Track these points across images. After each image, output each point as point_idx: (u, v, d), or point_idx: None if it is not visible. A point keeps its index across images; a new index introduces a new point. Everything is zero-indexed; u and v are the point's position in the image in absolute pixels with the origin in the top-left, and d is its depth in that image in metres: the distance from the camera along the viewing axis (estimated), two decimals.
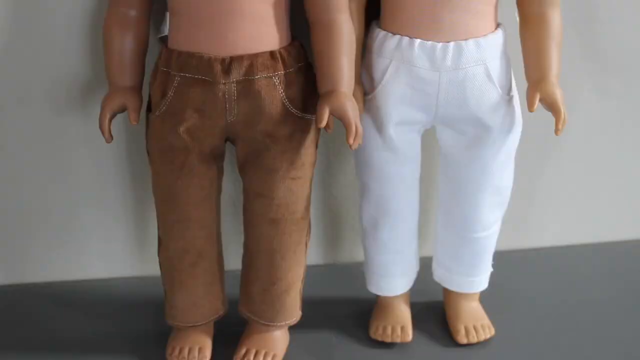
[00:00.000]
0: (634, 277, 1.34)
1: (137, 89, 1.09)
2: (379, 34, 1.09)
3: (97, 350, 1.19)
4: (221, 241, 1.16)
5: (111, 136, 1.09)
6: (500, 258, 1.38)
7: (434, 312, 1.27)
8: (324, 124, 1.01)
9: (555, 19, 1.08)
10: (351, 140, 1.02)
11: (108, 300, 1.29)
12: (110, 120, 1.08)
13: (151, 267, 1.29)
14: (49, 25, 1.15)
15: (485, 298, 1.27)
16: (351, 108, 1.02)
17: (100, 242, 1.31)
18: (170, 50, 1.04)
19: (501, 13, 1.11)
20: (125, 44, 1.07)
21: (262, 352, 1.15)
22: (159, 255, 1.15)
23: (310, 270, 1.36)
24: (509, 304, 1.29)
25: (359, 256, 1.37)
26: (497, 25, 1.09)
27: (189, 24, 1.03)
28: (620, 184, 1.39)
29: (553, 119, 1.29)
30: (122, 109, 1.08)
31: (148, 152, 1.10)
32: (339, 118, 1.02)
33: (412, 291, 1.27)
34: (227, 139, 1.09)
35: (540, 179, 1.38)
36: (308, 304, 1.28)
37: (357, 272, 1.34)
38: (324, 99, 1.03)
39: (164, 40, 1.10)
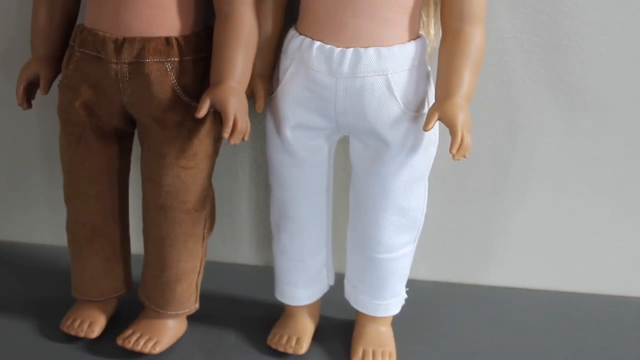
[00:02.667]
0: (580, 331, 1.24)
1: (54, 60, 1.12)
2: (289, 34, 1.06)
3: (5, 310, 1.23)
4: (127, 221, 1.17)
5: (27, 103, 1.12)
6: (445, 290, 1.32)
7: (347, 330, 1.21)
8: (201, 114, 1.00)
9: (475, 37, 1.01)
10: (225, 135, 1.00)
11: (38, 265, 1.34)
12: (25, 88, 1.11)
13: None
14: None
15: (411, 326, 1.21)
16: (233, 102, 1.00)
17: (46, 207, 1.36)
18: (78, 26, 1.07)
19: None
20: (50, 15, 1.11)
21: (146, 337, 1.14)
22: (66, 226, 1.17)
23: (247, 270, 1.37)
24: (432, 337, 1.21)
25: None
26: (416, 37, 1.03)
27: (93, 2, 1.05)
28: (589, 233, 1.28)
29: (532, 158, 1.23)
30: (36, 77, 1.11)
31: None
32: (219, 110, 1.01)
33: (332, 305, 1.23)
34: (132, 121, 1.10)
35: (500, 217, 1.29)
36: (229, 302, 1.28)
37: None
38: (209, 90, 1.01)
39: None
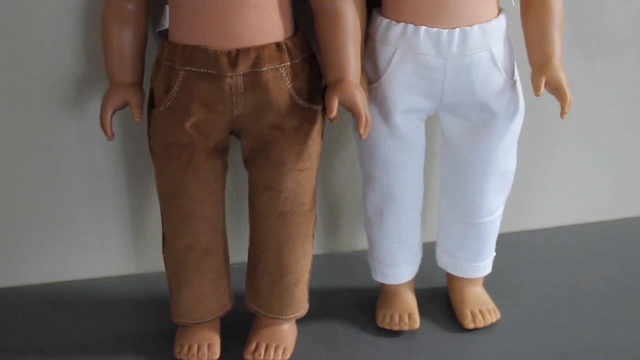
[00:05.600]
0: (635, 256, 1.36)
1: (138, 84, 1.07)
2: (382, 22, 1.08)
3: (99, 352, 1.16)
4: (227, 236, 1.15)
5: (113, 133, 1.06)
6: (500, 241, 1.40)
7: (438, 298, 1.27)
8: (334, 114, 1.00)
9: (557, 2, 1.08)
10: (362, 130, 1.01)
11: (106, 299, 1.27)
12: (111, 117, 1.05)
13: (148, 265, 1.27)
14: (45, 21, 1.13)
15: (487, 281, 1.28)
16: (360, 97, 1.01)
17: (97, 240, 1.29)
18: (174, 44, 1.02)
19: None
20: (125, 39, 1.05)
21: (273, 346, 1.14)
22: (163, 253, 1.13)
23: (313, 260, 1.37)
24: (511, 286, 1.29)
25: (358, 245, 1.37)
26: (500, 11, 1.09)
27: (192, 17, 1.00)
28: (616, 163, 1.40)
29: (551, 102, 1.32)
30: (124, 106, 1.06)
31: (151, 149, 1.08)
32: (348, 108, 1.01)
33: (416, 278, 1.27)
34: (231, 132, 1.08)
35: (537, 161, 1.38)
36: (311, 295, 1.28)
37: (356, 261, 1.35)
38: (332, 88, 1.01)
39: (163, 34, 1.07)
